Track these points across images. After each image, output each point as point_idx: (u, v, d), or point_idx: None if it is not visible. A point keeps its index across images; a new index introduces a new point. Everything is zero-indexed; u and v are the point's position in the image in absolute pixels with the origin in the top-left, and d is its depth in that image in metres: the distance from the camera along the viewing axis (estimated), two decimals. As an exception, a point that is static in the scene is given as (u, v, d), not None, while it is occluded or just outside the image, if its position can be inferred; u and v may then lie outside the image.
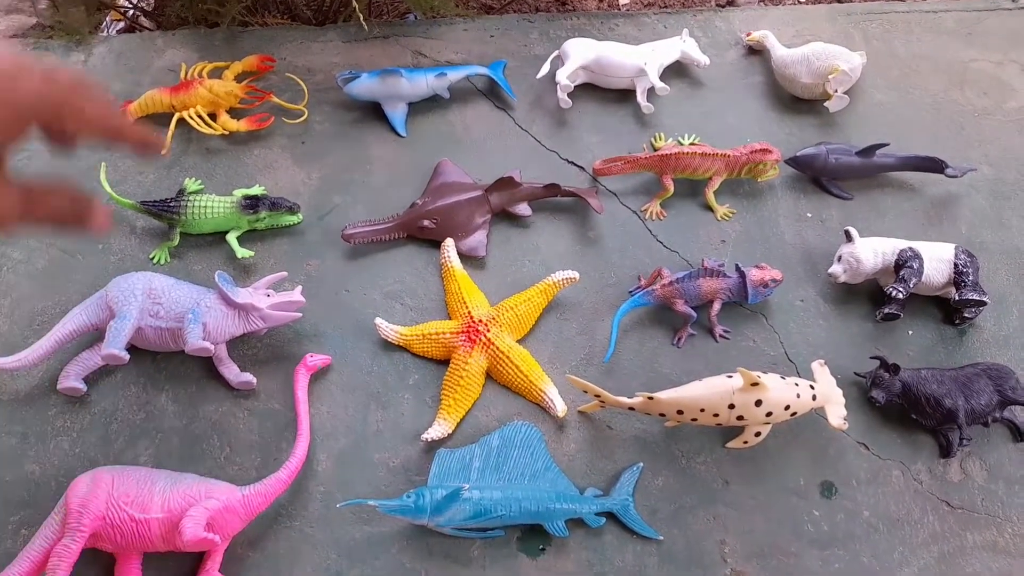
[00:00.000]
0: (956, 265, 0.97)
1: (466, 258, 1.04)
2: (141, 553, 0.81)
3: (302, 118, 1.17)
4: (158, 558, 0.81)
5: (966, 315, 0.99)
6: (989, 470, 0.91)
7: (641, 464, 0.89)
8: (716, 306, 0.98)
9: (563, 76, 1.15)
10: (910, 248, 0.98)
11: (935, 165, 1.10)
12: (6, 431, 0.91)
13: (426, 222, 1.04)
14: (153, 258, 1.04)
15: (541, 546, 0.85)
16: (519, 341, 0.97)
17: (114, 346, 0.87)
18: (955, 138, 1.19)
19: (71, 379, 0.92)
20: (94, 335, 0.94)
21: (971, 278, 0.97)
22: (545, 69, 1.19)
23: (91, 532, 0.77)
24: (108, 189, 1.03)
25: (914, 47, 1.30)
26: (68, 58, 1.26)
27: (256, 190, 1.08)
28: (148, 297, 0.91)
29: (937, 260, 0.98)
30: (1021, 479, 0.90)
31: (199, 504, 0.79)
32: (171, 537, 0.78)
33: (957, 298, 0.96)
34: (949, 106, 1.23)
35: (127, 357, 0.89)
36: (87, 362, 0.93)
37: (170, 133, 1.13)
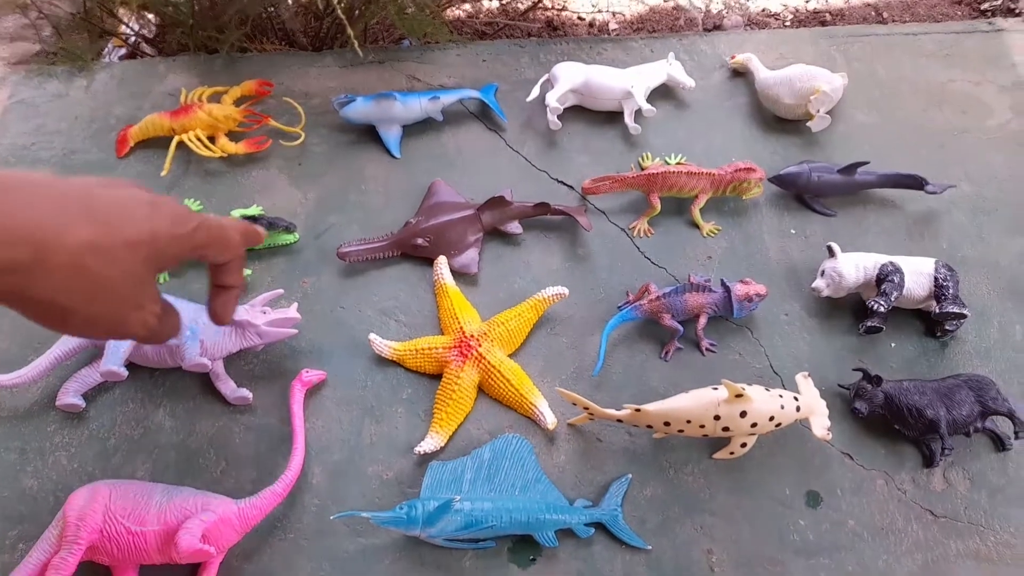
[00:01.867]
0: (936, 279, 1.00)
1: (459, 275, 1.06)
2: (137, 566, 0.82)
3: (299, 140, 1.20)
4: (154, 570, 0.82)
5: (947, 327, 1.01)
6: (972, 479, 0.93)
7: (630, 475, 0.91)
8: (702, 320, 1.00)
9: (552, 99, 1.18)
10: (891, 262, 1.00)
11: (915, 182, 1.13)
12: (5, 447, 0.93)
13: (420, 240, 1.06)
14: (152, 277, 1.06)
15: (532, 556, 0.86)
16: (510, 355, 0.99)
17: (113, 363, 0.89)
18: (935, 156, 1.22)
19: (70, 395, 0.93)
20: (93, 352, 0.96)
21: (951, 291, 0.99)
22: (535, 92, 1.22)
23: (88, 545, 0.78)
24: (109, 210, 1.06)
25: (895, 69, 1.34)
26: (71, 83, 1.29)
27: (253, 210, 1.10)
28: (147, 314, 0.93)
29: (918, 274, 1.00)
30: (1003, 488, 0.92)
31: (195, 517, 0.80)
32: (167, 549, 0.79)
33: (938, 311, 0.99)
34: (929, 125, 1.26)
35: (125, 373, 0.91)
36: (86, 379, 0.94)
37: (170, 156, 1.15)
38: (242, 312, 0.94)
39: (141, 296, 0.51)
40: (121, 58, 1.49)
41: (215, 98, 1.22)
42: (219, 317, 0.64)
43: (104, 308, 0.48)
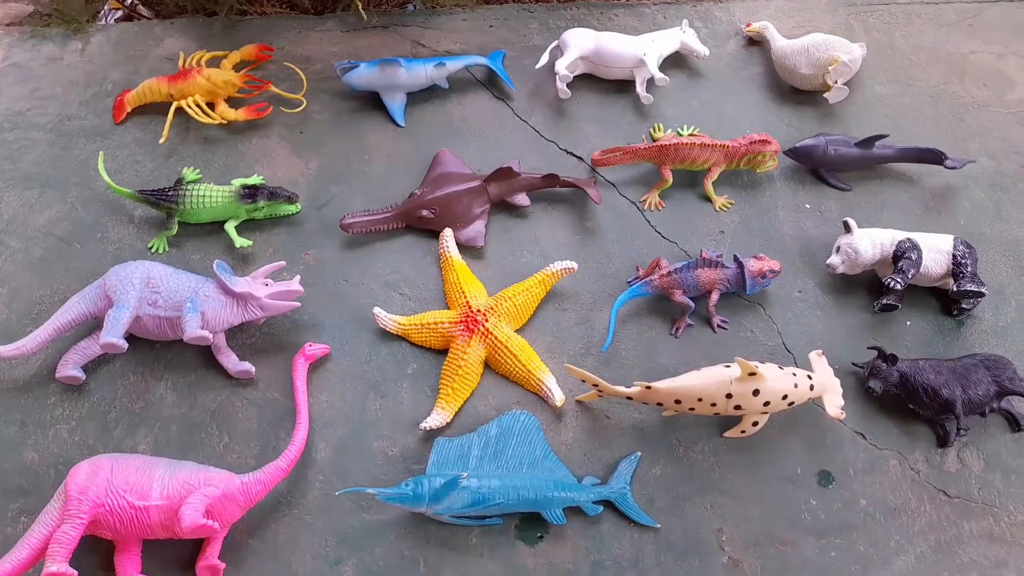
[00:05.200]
0: (954, 256, 0.98)
1: (465, 248, 1.04)
2: (140, 540, 0.81)
3: (300, 108, 1.17)
4: (157, 545, 0.81)
5: (964, 306, 0.99)
6: (986, 460, 0.91)
7: (639, 453, 0.89)
8: (714, 296, 0.98)
9: (562, 66, 1.14)
10: (908, 239, 0.98)
11: (934, 157, 1.10)
12: (5, 419, 0.91)
13: (424, 212, 1.03)
14: (151, 247, 1.04)
15: (539, 534, 0.85)
16: (517, 331, 0.97)
17: (112, 335, 0.87)
18: (954, 130, 1.19)
19: (70, 367, 0.92)
20: (92, 324, 0.94)
21: (969, 269, 0.97)
22: (544, 59, 1.19)
23: (90, 518, 0.77)
24: (106, 178, 1.03)
25: (914, 39, 1.30)
26: (66, 46, 1.25)
27: (254, 179, 1.08)
28: (146, 286, 0.91)
29: (935, 251, 0.98)
30: (1018, 469, 0.90)
31: (198, 491, 0.79)
32: (170, 524, 0.78)
33: (955, 289, 0.96)
34: (949, 98, 1.22)
35: (125, 346, 0.89)
36: (86, 351, 0.93)
37: (168, 122, 1.12)
38: (243, 284, 0.92)
39: None
40: (117, 20, 1.45)
41: (214, 63, 1.19)
42: None
43: None
